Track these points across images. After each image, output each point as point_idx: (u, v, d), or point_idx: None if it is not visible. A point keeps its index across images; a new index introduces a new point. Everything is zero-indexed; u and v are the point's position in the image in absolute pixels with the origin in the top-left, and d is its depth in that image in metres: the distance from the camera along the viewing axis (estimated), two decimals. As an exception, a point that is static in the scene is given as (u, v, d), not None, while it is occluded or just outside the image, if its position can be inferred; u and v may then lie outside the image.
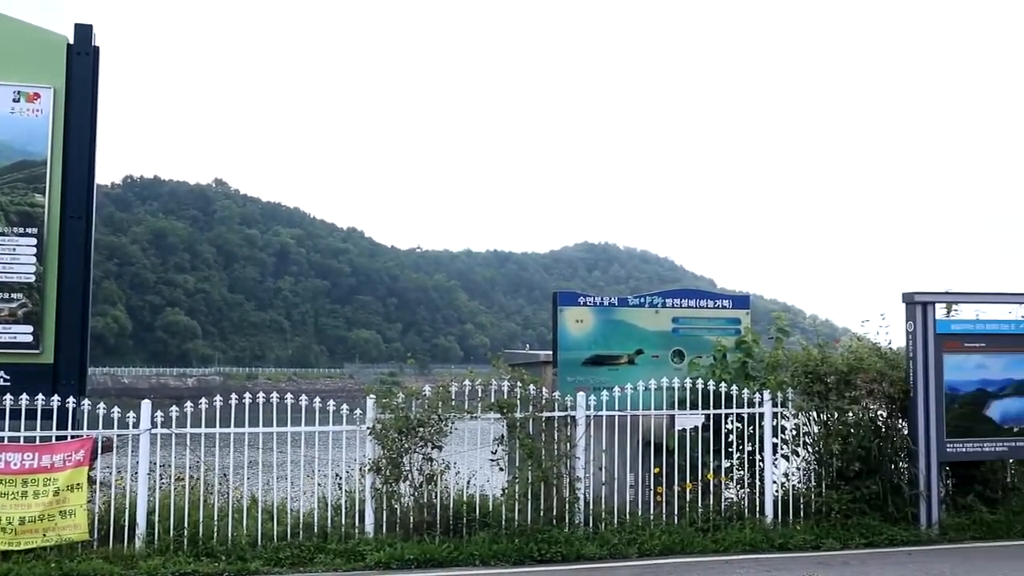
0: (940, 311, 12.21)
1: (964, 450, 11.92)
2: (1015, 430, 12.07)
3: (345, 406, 10.71)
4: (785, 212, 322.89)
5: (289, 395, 10.68)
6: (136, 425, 10.21)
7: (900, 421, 11.98)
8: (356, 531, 10.48)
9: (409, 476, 10.65)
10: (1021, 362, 12.16)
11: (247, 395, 10.55)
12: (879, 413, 11.90)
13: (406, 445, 10.62)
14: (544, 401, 11.22)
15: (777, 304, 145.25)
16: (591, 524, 10.95)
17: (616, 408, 11.34)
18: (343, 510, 10.54)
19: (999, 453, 12.05)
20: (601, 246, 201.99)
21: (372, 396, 10.84)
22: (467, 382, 10.98)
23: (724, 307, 12.48)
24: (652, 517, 11.19)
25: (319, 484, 10.88)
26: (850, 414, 11.57)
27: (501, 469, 11.13)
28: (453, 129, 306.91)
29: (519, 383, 11.09)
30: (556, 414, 11.22)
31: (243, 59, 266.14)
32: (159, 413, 10.23)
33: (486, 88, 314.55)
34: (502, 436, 11.14)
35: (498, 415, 11.04)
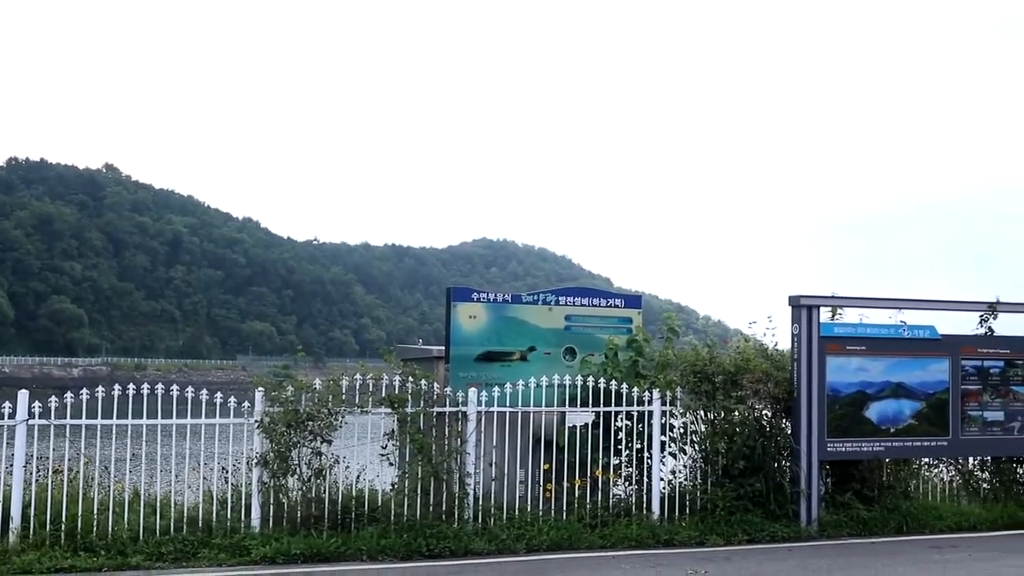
0: (825, 314, 12.54)
1: (844, 449, 12.27)
2: (892, 431, 12.47)
3: (233, 398, 10.54)
4: (682, 214, 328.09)
5: (175, 387, 10.46)
6: (12, 416, 9.89)
7: (784, 421, 12.28)
8: (242, 525, 10.33)
9: (297, 470, 10.54)
10: (899, 365, 12.58)
11: (131, 386, 10.31)
12: (764, 413, 12.17)
13: (295, 439, 10.50)
14: (435, 396, 11.20)
15: (672, 304, 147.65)
16: (480, 520, 10.98)
17: (508, 404, 11.37)
18: (229, 504, 10.37)
19: (876, 453, 12.43)
20: (499, 242, 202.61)
21: (261, 389, 10.68)
22: (358, 376, 10.90)
23: (616, 306, 12.61)
24: (541, 513, 11.26)
25: (204, 478, 10.69)
26: (736, 413, 11.81)
27: (391, 464, 11.07)
28: (353, 120, 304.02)
29: (411, 378, 11.06)
30: (447, 410, 11.22)
31: (135, 39, 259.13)
32: (37, 403, 9.92)
33: (385, 80, 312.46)
34: (392, 431, 11.09)
35: (389, 410, 10.99)
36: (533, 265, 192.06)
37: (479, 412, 11.24)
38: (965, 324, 13.58)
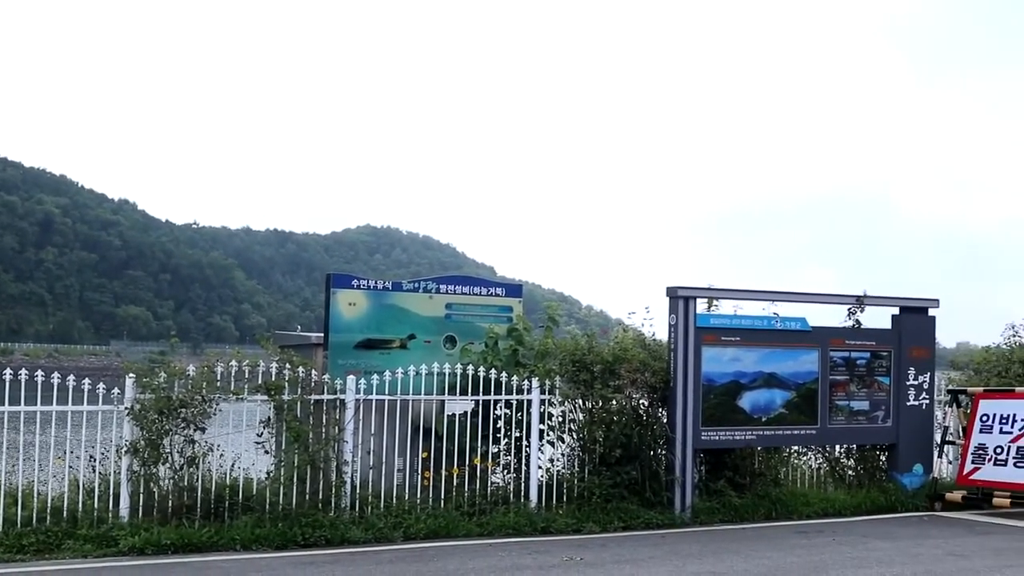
0: (701, 306, 12.78)
1: (718, 438, 12.54)
2: (764, 420, 12.80)
3: (102, 385, 10.22)
4: (567, 205, 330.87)
5: (40, 373, 10.08)
6: None
7: (660, 410, 12.47)
8: (110, 516, 10.02)
9: (169, 458, 10.27)
10: (771, 356, 12.90)
11: (-7, 370, 9.91)
12: (641, 402, 12.34)
13: (167, 426, 10.23)
14: (313, 384, 11.06)
15: (555, 294, 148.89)
16: (358, 508, 10.88)
17: (387, 392, 11.29)
18: (96, 494, 10.05)
19: (748, 441, 12.74)
20: (384, 230, 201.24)
21: (132, 375, 10.38)
22: (234, 363, 10.68)
23: (497, 295, 12.62)
24: (419, 501, 11.22)
25: (70, 467, 10.33)
26: (614, 402, 11.95)
27: (267, 452, 10.89)
28: (236, 102, 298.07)
29: (288, 365, 10.88)
30: (325, 397, 11.08)
31: (3, 9, 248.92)
32: None
33: (267, 60, 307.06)
34: (269, 419, 10.89)
35: (265, 397, 10.80)
36: (417, 253, 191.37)
37: (357, 400, 11.13)
38: (835, 317, 14.05)
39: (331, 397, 11.10)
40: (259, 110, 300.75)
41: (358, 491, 10.99)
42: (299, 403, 10.87)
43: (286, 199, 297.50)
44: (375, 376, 11.27)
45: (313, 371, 11.11)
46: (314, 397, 11.02)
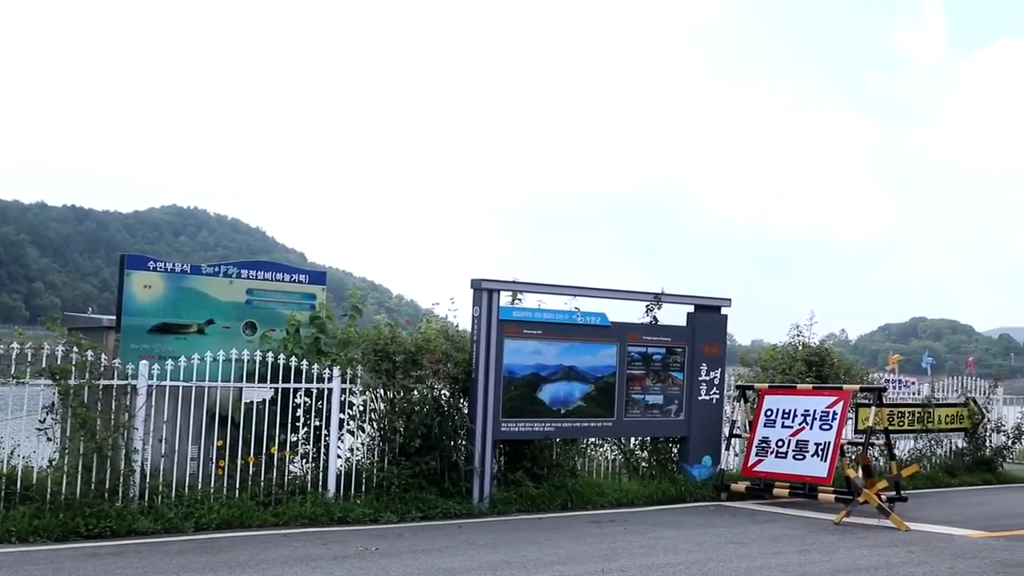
0: (505, 299, 12.94)
1: (517, 429, 12.73)
2: (562, 412, 13.08)
3: None
4: (380, 192, 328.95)
5: None
6: None
7: (462, 401, 12.56)
8: None
9: (-61, 446, 9.67)
10: (572, 350, 13.19)
11: None
12: (443, 393, 12.40)
13: (-63, 412, 9.61)
14: (103, 368, 10.60)
15: (366, 282, 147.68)
16: (147, 498, 10.52)
17: (181, 378, 10.95)
18: None
19: (547, 433, 12.99)
20: (190, 210, 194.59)
21: None
22: (15, 344, 10.13)
23: (301, 281, 12.41)
24: (213, 491, 10.94)
25: None
26: (415, 393, 11.94)
27: (50, 439, 10.39)
28: (30, 67, 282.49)
29: (76, 348, 10.40)
30: (115, 382, 10.65)
31: None
32: None
33: (71, 25, 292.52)
34: (53, 404, 10.38)
35: (49, 381, 10.28)
36: (225, 235, 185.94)
37: (150, 386, 10.74)
38: (635, 313, 14.48)
39: (121, 382, 10.66)
40: (58, 76, 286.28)
41: (148, 480, 10.62)
42: (87, 388, 10.40)
43: (85, 174, 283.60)
44: (170, 361, 10.90)
45: (103, 355, 10.65)
46: (103, 382, 10.56)
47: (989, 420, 18.52)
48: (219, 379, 11.23)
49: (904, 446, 17.26)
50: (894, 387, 18.25)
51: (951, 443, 17.97)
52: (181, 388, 10.99)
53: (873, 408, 13.82)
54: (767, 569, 9.35)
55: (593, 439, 14.22)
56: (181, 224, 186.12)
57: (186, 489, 10.84)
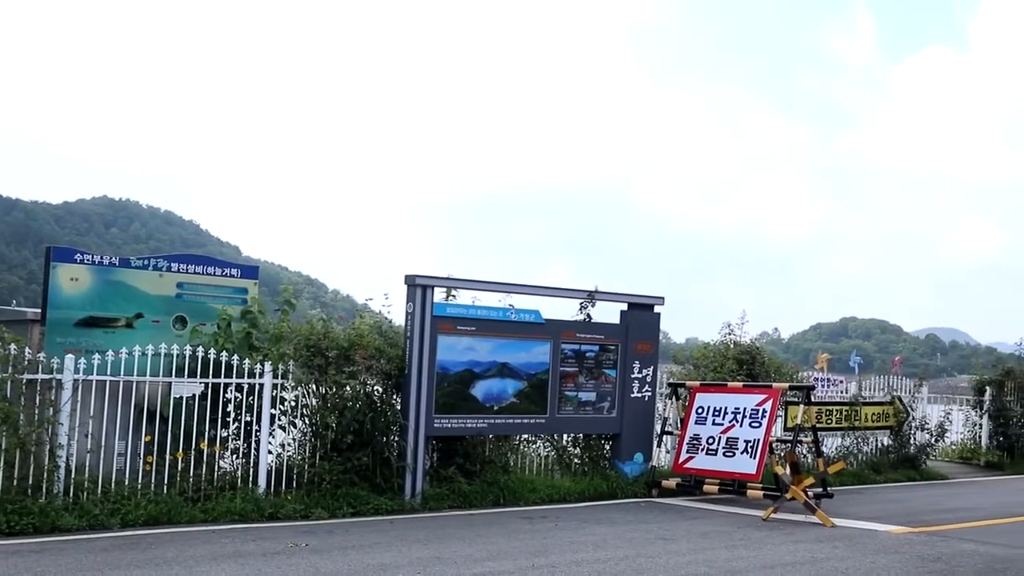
0: (440, 295, 12.92)
1: (450, 426, 12.73)
2: (495, 408, 13.11)
3: None
4: (317, 187, 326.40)
5: None
6: None
7: (395, 397, 12.52)
8: None
9: None
10: (505, 346, 13.22)
11: None
12: (376, 388, 12.36)
13: None
14: (27, 362, 10.39)
15: (302, 277, 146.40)
16: (72, 494, 10.35)
17: (109, 373, 10.78)
18: None
19: (480, 429, 13.00)
20: (122, 202, 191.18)
21: None
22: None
23: (232, 276, 12.27)
24: (140, 487, 10.79)
25: None
26: (348, 388, 11.90)
27: (-31, 435, 10.16)
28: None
29: (-2, 342, 10.19)
30: (39, 377, 10.43)
31: None
32: None
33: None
34: (-26, 398, 10.16)
35: (-29, 375, 10.06)
36: (158, 228, 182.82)
37: (76, 380, 10.56)
38: (569, 310, 14.54)
39: (46, 377, 10.46)
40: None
41: (73, 476, 10.44)
42: (9, 382, 10.19)
43: (13, 163, 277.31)
44: (97, 356, 10.72)
45: (27, 349, 10.45)
46: (27, 376, 10.35)
47: (914, 418, 18.93)
48: (148, 374, 11.07)
49: (832, 443, 17.55)
50: (822, 386, 18.53)
51: (877, 441, 18.31)
52: (108, 383, 10.81)
53: (802, 406, 14.04)
54: (695, 565, 9.45)
55: (526, 436, 14.25)
56: (112, 216, 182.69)
57: (112, 485, 10.68)
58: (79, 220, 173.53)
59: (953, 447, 21.41)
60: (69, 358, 10.58)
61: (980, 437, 21.37)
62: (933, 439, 19.34)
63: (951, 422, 20.41)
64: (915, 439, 18.84)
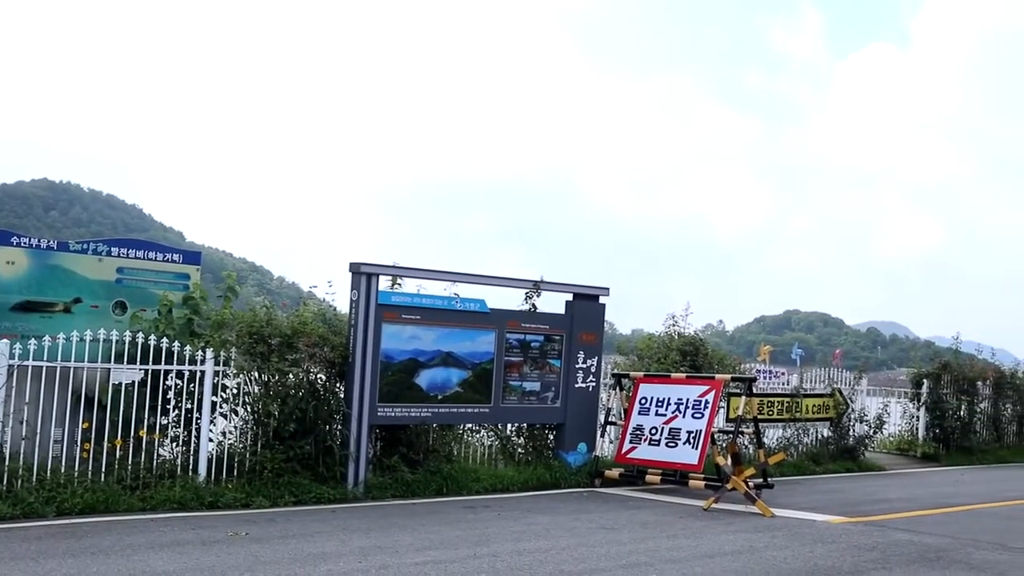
0: (385, 283, 12.85)
1: (393, 414, 12.68)
2: (439, 397, 13.08)
3: None
4: (262, 172, 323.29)
5: None
6: None
7: (338, 385, 12.44)
8: None
9: None
10: (450, 335, 13.19)
11: None
12: (319, 376, 12.27)
13: None
14: (-40, 347, 10.19)
15: (247, 263, 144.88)
16: (6, 482, 10.16)
17: (45, 359, 10.59)
18: None
19: (424, 418, 12.97)
20: (63, 185, 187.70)
21: None
22: None
23: (174, 261, 12.11)
24: (77, 475, 10.63)
25: None
26: (290, 376, 11.80)
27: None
28: None
29: (-69, 326, 9.97)
30: (-27, 362, 10.24)
31: None
32: None
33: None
34: (-95, 384, 9.94)
35: (-99, 360, 9.84)
36: (100, 212, 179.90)
37: (11, 366, 10.36)
38: (514, 300, 14.55)
39: (-20, 362, 10.27)
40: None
41: (7, 463, 10.26)
42: (-58, 368, 9.99)
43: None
44: (33, 341, 10.53)
45: (-39, 334, 10.24)
46: (-40, 362, 10.16)
47: (853, 410, 19.21)
48: (86, 360, 10.90)
49: (773, 434, 17.75)
50: (764, 377, 18.74)
51: (817, 432, 18.56)
52: (45, 369, 10.62)
53: (744, 397, 14.18)
54: (636, 554, 9.51)
55: (470, 425, 14.25)
56: (52, 199, 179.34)
57: (48, 473, 10.50)
58: (18, 203, 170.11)
59: (891, 439, 21.79)
60: (4, 343, 10.37)
61: (917, 429, 21.77)
62: (872, 431, 19.65)
63: (889, 414, 20.78)
64: (854, 431, 19.12)
